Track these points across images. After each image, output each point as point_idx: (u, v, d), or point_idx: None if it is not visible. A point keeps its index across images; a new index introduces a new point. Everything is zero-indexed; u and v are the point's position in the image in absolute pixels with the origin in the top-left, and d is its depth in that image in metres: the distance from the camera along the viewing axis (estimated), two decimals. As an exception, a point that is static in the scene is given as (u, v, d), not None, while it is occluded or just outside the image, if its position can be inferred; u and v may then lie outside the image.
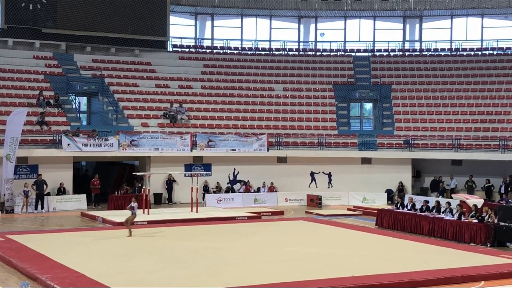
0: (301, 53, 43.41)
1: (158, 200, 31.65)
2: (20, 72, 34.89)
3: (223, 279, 14.60)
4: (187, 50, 42.01)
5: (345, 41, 43.87)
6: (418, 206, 24.27)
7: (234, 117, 36.21)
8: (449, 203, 23.31)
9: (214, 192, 32.07)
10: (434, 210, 23.29)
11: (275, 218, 27.09)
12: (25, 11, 36.11)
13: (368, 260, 17.03)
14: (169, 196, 32.01)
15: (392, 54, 43.10)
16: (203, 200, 30.99)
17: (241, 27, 43.69)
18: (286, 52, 43.14)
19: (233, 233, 22.06)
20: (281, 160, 33.68)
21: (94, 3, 37.64)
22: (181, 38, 42.45)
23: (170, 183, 31.86)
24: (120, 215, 25.60)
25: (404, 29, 44.34)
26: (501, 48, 42.01)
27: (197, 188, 28.25)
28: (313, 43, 44.27)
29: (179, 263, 16.55)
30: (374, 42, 43.79)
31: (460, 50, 42.60)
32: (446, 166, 33.79)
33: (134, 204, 21.19)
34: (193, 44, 42.84)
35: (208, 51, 42.29)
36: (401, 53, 43.12)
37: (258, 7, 42.36)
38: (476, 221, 21.02)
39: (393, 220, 24.11)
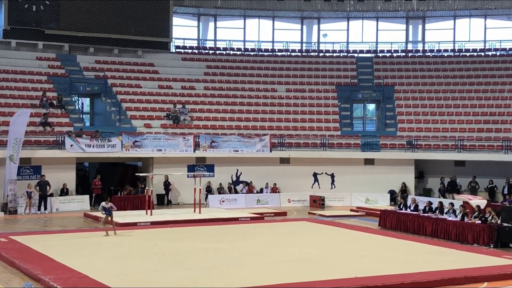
0: (304, 54, 43.41)
1: (161, 201, 31.66)
2: (23, 73, 34.93)
3: (226, 280, 14.61)
4: (190, 51, 42.04)
5: (348, 42, 43.84)
6: (421, 207, 24.25)
7: (237, 118, 36.21)
8: (452, 204, 23.30)
9: (219, 192, 32.07)
10: (437, 211, 23.27)
11: (278, 219, 27.08)
12: (28, 12, 36.15)
13: (371, 261, 17.04)
14: (166, 197, 31.96)
15: (395, 55, 43.06)
16: (206, 201, 31.01)
17: (244, 28, 43.71)
18: (289, 53, 43.15)
19: (235, 234, 22.07)
20: (284, 161, 33.67)
21: (97, 4, 37.67)
22: (184, 39, 42.46)
23: (167, 184, 31.79)
24: (123, 216, 25.67)
25: (407, 30, 44.29)
26: (504, 49, 41.93)
27: (200, 189, 28.25)
28: (316, 44, 44.26)
29: (181, 264, 16.56)
30: (377, 43, 43.76)
31: (463, 50, 42.55)
32: (449, 167, 33.73)
33: (106, 205, 21.12)
34: (196, 45, 42.84)
35: (211, 52, 42.32)
36: (404, 54, 43.10)
37: (261, 8, 42.34)
38: (479, 222, 20.99)
39: (396, 221, 24.08)
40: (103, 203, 21.28)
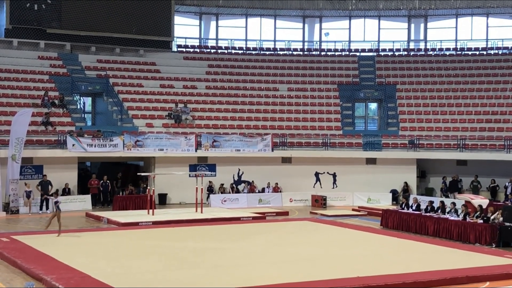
0: (305, 53, 43.37)
1: (162, 201, 31.67)
2: (25, 73, 34.93)
3: (228, 279, 14.60)
4: (191, 50, 42.03)
5: (349, 41, 43.83)
6: (423, 206, 24.22)
7: (238, 117, 36.19)
8: (454, 204, 23.28)
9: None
10: (439, 211, 23.25)
11: (280, 219, 27.08)
12: (30, 12, 36.14)
13: (373, 261, 17.03)
14: None
15: (397, 53, 43.03)
16: (208, 200, 31.01)
17: (246, 27, 43.70)
18: (290, 52, 43.11)
19: (237, 234, 22.07)
20: (286, 160, 33.65)
21: (99, 3, 37.64)
22: (185, 38, 42.47)
23: None
24: (124, 216, 25.70)
25: (409, 29, 44.27)
26: (506, 48, 41.87)
27: (201, 189, 28.24)
28: (318, 42, 44.24)
29: (183, 264, 16.57)
30: (379, 41, 43.73)
31: (465, 49, 42.51)
32: (451, 166, 33.70)
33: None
34: (198, 44, 42.86)
35: (212, 51, 42.29)
36: (406, 52, 43.04)
37: (263, 7, 42.35)
38: (481, 221, 20.97)
39: (398, 221, 24.07)
40: (57, 199, 21.24)
